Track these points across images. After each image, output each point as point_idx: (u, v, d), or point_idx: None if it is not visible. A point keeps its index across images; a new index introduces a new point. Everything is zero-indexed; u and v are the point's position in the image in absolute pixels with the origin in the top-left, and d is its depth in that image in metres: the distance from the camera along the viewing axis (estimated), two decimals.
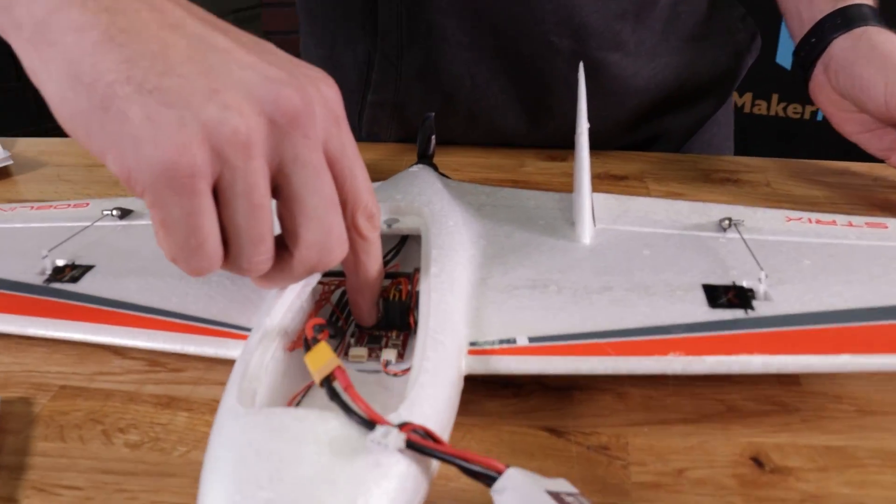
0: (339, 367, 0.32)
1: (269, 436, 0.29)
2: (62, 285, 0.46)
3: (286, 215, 0.34)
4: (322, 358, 0.32)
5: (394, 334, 0.43)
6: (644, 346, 0.38)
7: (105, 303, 0.44)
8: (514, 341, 0.38)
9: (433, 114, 0.65)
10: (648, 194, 0.66)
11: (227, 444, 0.30)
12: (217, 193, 0.32)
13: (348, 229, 0.37)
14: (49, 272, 0.48)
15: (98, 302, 0.44)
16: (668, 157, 0.77)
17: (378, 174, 0.74)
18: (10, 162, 0.74)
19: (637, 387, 0.41)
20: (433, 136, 0.65)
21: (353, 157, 0.36)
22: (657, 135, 0.83)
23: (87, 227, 0.54)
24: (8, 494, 0.37)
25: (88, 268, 0.48)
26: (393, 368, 0.40)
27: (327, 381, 0.32)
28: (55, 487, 0.37)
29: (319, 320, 0.37)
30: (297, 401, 0.36)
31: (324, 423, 0.29)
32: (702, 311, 0.40)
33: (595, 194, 0.56)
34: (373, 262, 0.39)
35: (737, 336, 0.38)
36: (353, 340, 0.42)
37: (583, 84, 0.60)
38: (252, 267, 0.35)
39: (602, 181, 0.70)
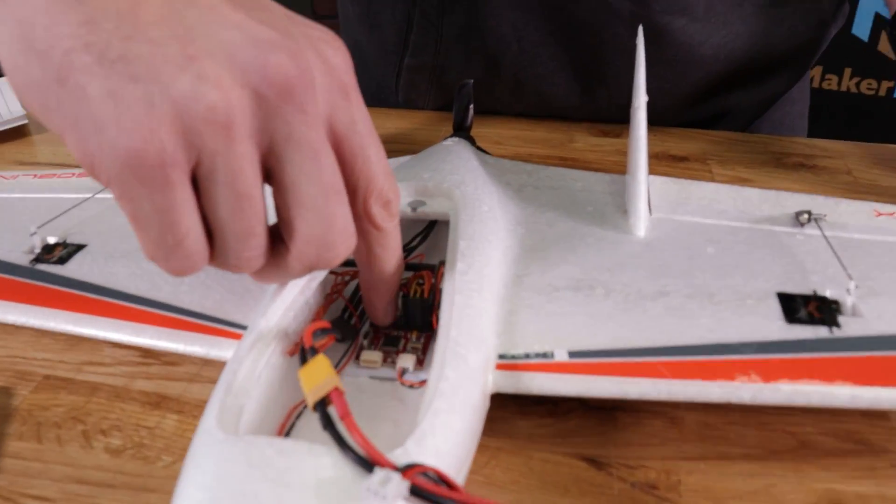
0: (336, 390, 0.26)
1: (246, 472, 0.24)
2: (48, 267, 0.42)
3: (280, 204, 0.29)
4: (319, 375, 0.27)
5: (414, 335, 0.37)
6: (705, 367, 0.32)
7: (91, 289, 0.39)
8: (550, 356, 0.33)
9: (471, 81, 0.59)
10: (712, 179, 0.59)
11: (198, 477, 0.25)
12: (196, 182, 0.27)
13: (359, 218, 0.32)
14: (38, 250, 0.44)
15: (84, 288, 0.39)
16: (735, 136, 0.69)
17: (412, 145, 0.69)
18: (26, 121, 0.70)
19: (693, 411, 0.35)
20: (471, 106, 0.59)
21: (364, 133, 0.30)
22: (723, 111, 0.75)
23: (87, 199, 0.50)
24: None
25: (79, 247, 0.44)
26: (410, 378, 0.35)
27: (321, 406, 0.26)
28: (23, 497, 0.33)
29: (322, 324, 0.32)
30: (292, 420, 0.31)
31: (313, 460, 0.24)
32: (776, 327, 0.34)
33: (651, 177, 0.49)
34: (389, 255, 0.34)
35: (819, 360, 0.32)
36: (366, 342, 0.37)
37: (642, 51, 0.53)
38: (242, 264, 0.29)
39: (659, 161, 0.63)
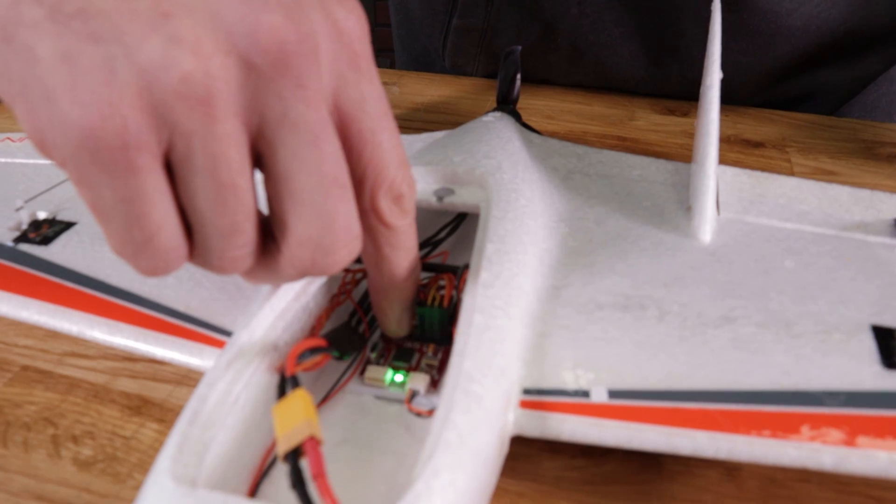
0: (311, 440, 0.21)
1: None
2: (31, 248, 0.37)
3: (272, 196, 0.24)
4: (295, 416, 0.22)
5: (430, 350, 0.32)
6: (777, 421, 0.25)
7: (72, 277, 0.35)
8: (586, 395, 0.27)
9: (519, 47, 0.52)
10: (790, 169, 0.52)
11: None
12: (170, 168, 0.22)
13: (366, 213, 0.26)
14: (25, 226, 0.39)
15: (64, 275, 0.35)
16: (820, 120, 0.61)
17: (456, 116, 0.63)
18: None
19: (758, 464, 0.29)
20: (518, 76, 0.52)
21: (376, 114, 0.25)
22: (809, 92, 0.67)
23: None
24: None
25: (68, 225, 0.39)
26: (419, 405, 0.29)
27: (293, 457, 0.21)
28: None
29: (313, 342, 0.27)
30: (270, 461, 0.26)
31: None
32: (870, 373, 0.27)
33: (721, 168, 0.43)
34: (401, 256, 0.28)
35: None
36: (373, 355, 0.32)
37: (718, 19, 0.46)
38: (226, 265, 0.24)
39: (731, 146, 0.56)
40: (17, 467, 0.31)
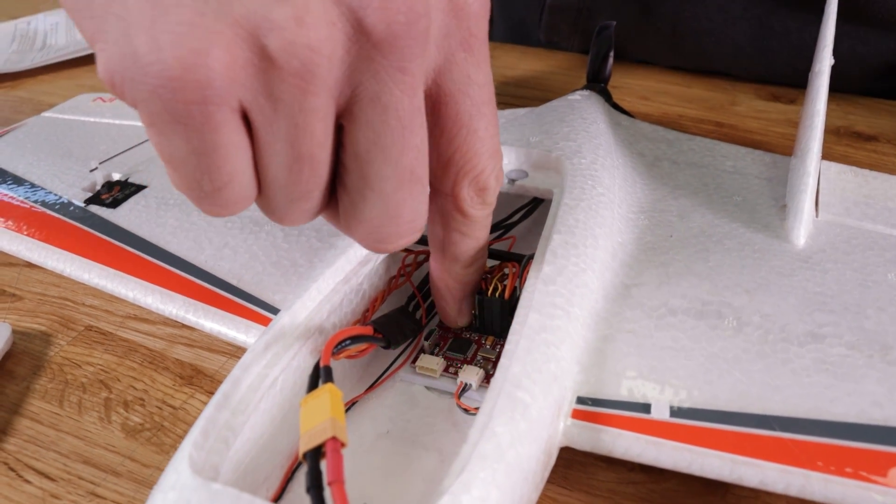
0: (333, 440, 0.20)
1: None
2: (99, 210, 0.38)
3: (343, 168, 0.22)
4: (320, 412, 0.21)
5: (488, 342, 0.30)
6: (862, 459, 0.23)
7: (133, 242, 0.35)
8: (647, 409, 0.25)
9: (613, 23, 0.49)
10: None
11: None
12: (248, 122, 0.20)
13: (444, 196, 0.25)
14: (98, 187, 0.39)
15: (127, 240, 0.35)
16: None
17: (546, 92, 0.60)
18: None
19: None
20: (611, 54, 0.49)
21: (478, 100, 0.23)
22: None
23: None
24: None
25: (139, 188, 0.39)
26: (469, 400, 0.28)
27: (313, 457, 0.20)
28: (26, 470, 0.30)
29: (357, 330, 0.25)
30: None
31: None
32: None
33: (824, 163, 0.39)
34: (469, 244, 0.27)
35: None
36: (427, 343, 0.30)
37: (834, 2, 0.42)
38: (285, 220, 0.23)
39: (839, 139, 0.51)
40: (70, 428, 0.31)
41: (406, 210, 0.23)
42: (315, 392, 0.21)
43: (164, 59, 0.18)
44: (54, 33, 0.72)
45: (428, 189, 0.24)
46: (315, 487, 0.19)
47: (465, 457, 0.21)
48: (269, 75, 0.19)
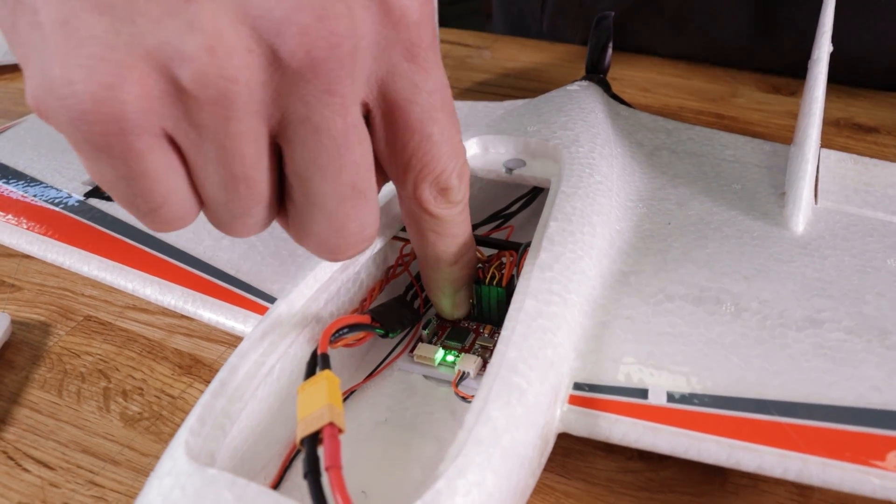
0: (330, 427, 0.20)
1: None
2: (99, 203, 0.38)
3: (287, 183, 0.22)
4: (318, 398, 0.21)
5: (487, 331, 0.30)
6: (860, 443, 0.23)
7: (132, 234, 0.35)
8: (644, 394, 0.25)
9: (612, 13, 0.49)
10: None
11: None
12: (177, 145, 0.20)
13: (409, 200, 0.25)
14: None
15: (126, 232, 0.35)
16: None
17: (547, 84, 0.60)
18: None
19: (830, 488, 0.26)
20: (610, 44, 0.49)
21: (429, 106, 0.23)
22: None
23: None
24: None
25: None
26: (467, 388, 0.28)
27: (310, 443, 0.20)
28: (25, 459, 0.30)
29: (354, 318, 0.25)
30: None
31: None
32: None
33: (824, 151, 0.39)
34: (447, 243, 0.27)
35: None
36: (426, 332, 0.30)
37: None
38: (234, 234, 0.23)
39: (840, 131, 0.51)
40: (69, 417, 0.31)
41: (352, 223, 0.23)
42: (312, 379, 0.21)
43: (77, 92, 0.18)
44: None
45: (375, 199, 0.23)
46: (312, 473, 0.19)
47: (461, 441, 0.20)
48: (188, 104, 0.19)
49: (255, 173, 0.21)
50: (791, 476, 0.22)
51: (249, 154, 0.20)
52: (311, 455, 0.19)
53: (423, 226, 0.26)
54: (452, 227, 0.26)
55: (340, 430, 0.20)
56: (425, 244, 0.26)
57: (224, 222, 0.22)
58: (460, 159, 0.24)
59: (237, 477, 0.19)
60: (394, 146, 0.23)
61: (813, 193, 0.34)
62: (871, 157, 0.38)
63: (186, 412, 0.31)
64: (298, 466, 0.25)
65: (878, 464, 0.22)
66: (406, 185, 0.24)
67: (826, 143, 0.41)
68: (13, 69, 0.67)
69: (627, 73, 0.61)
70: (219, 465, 0.21)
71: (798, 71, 0.57)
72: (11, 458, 0.30)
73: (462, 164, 0.25)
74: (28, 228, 0.36)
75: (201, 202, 0.22)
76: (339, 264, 0.28)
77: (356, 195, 0.22)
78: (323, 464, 0.19)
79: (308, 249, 0.24)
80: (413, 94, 0.22)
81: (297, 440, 0.20)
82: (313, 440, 0.20)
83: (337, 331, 0.24)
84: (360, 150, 0.21)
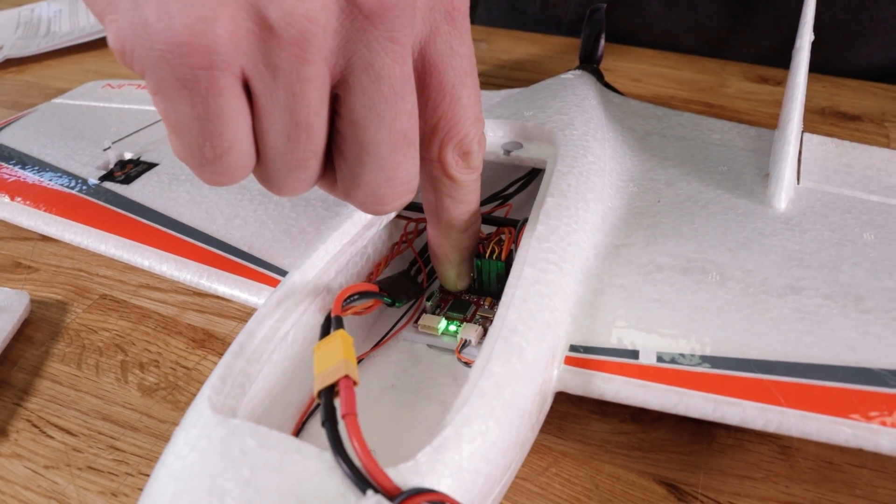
0: (346, 379, 0.21)
1: (221, 465, 0.20)
2: (113, 186, 0.39)
3: (339, 136, 0.24)
4: (333, 355, 0.22)
5: (487, 303, 0.32)
6: (836, 398, 0.24)
7: (147, 214, 0.36)
8: (635, 355, 0.26)
9: (604, 5, 0.51)
10: (888, 145, 0.49)
11: (172, 460, 0.21)
12: (249, 92, 0.22)
13: (432, 163, 0.26)
14: (112, 166, 0.41)
15: (141, 212, 0.36)
16: None
17: (541, 75, 0.61)
18: None
19: (813, 443, 0.28)
20: (602, 35, 0.51)
21: (461, 69, 0.25)
22: None
23: None
24: (2, 421, 0.32)
25: (151, 166, 0.41)
26: (469, 355, 0.29)
27: (327, 395, 0.21)
28: (49, 427, 0.31)
29: (363, 286, 0.27)
30: (315, 404, 0.26)
31: (299, 463, 0.20)
32: None
33: (807, 135, 0.41)
34: (461, 209, 0.28)
35: None
36: (429, 304, 0.32)
37: None
38: (284, 190, 0.25)
39: (824, 119, 0.53)
40: (88, 388, 0.33)
41: (401, 172, 0.24)
42: (327, 338, 0.23)
43: (173, 26, 0.19)
44: (58, 20, 0.73)
45: (418, 151, 0.25)
46: (330, 420, 0.21)
47: (466, 394, 0.22)
48: (269, 44, 0.20)
49: (316, 121, 0.22)
50: (772, 428, 0.24)
51: (315, 100, 0.22)
52: (328, 405, 0.21)
53: (442, 190, 0.27)
54: (467, 194, 0.28)
55: (355, 383, 0.21)
56: (441, 209, 0.28)
57: (278, 176, 0.24)
58: (481, 126, 0.26)
59: (259, 425, 0.21)
60: (424, 107, 0.25)
61: (795, 174, 0.36)
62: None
63: (202, 382, 0.33)
64: (314, 422, 0.26)
65: (851, 416, 0.24)
66: (431, 147, 0.26)
67: (811, 130, 0.43)
68: (19, 62, 0.68)
69: (619, 64, 0.62)
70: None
71: (778, 53, 0.59)
72: (35, 426, 0.31)
73: (482, 132, 0.26)
74: (45, 211, 0.38)
75: (258, 157, 0.23)
76: (347, 237, 0.29)
77: (407, 144, 0.23)
78: (339, 412, 0.21)
79: (355, 203, 0.25)
80: (450, 57, 0.24)
81: (315, 392, 0.22)
82: (330, 392, 0.21)
83: (348, 297, 0.26)
84: (411, 101, 0.23)
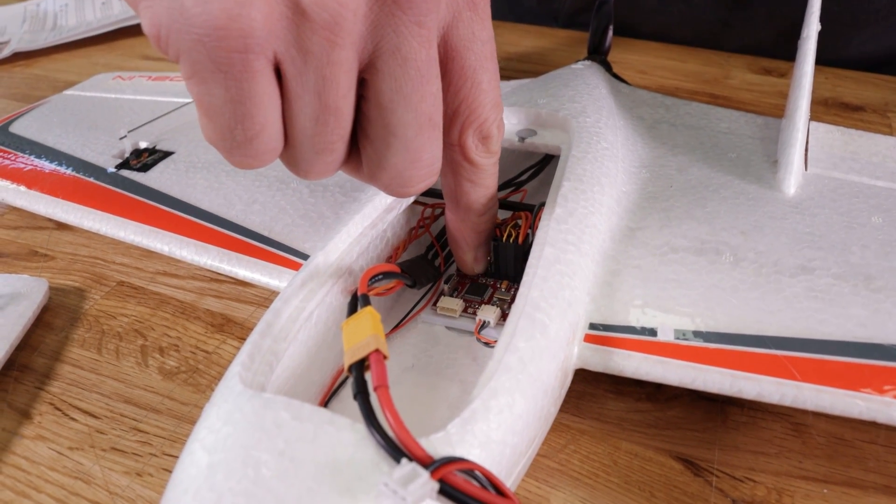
0: (376, 353, 0.22)
1: (255, 437, 0.20)
2: (131, 174, 0.40)
3: (365, 119, 0.24)
4: (362, 330, 0.23)
5: (503, 286, 0.33)
6: (848, 372, 0.25)
7: (165, 201, 0.37)
8: (653, 333, 0.27)
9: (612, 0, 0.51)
10: (891, 135, 0.50)
11: (205, 434, 0.21)
12: (279, 76, 0.22)
13: (452, 147, 0.27)
14: (127, 155, 0.42)
15: (159, 199, 0.37)
16: None
17: (547, 67, 0.62)
18: None
19: (825, 419, 0.29)
20: (610, 27, 0.51)
21: (482, 55, 0.25)
22: None
23: (188, 104, 0.47)
24: (25, 404, 0.32)
25: (166, 154, 0.41)
26: (488, 335, 0.30)
27: (358, 369, 0.22)
28: (71, 409, 0.32)
29: (386, 266, 0.28)
30: (344, 377, 0.27)
31: (332, 434, 0.20)
32: None
33: (813, 124, 0.41)
34: (480, 192, 0.29)
35: None
36: (447, 287, 0.32)
37: None
38: (310, 173, 0.25)
39: (828, 109, 0.54)
40: (109, 372, 0.33)
41: (426, 154, 0.25)
42: (355, 315, 0.24)
43: (210, 10, 0.20)
44: (64, 14, 0.74)
45: (442, 134, 0.25)
46: (362, 393, 0.21)
47: (492, 369, 0.23)
48: (302, 28, 0.21)
49: (344, 105, 0.23)
50: (787, 402, 0.25)
51: (343, 84, 0.22)
52: (359, 378, 0.22)
53: (461, 174, 0.28)
54: (486, 178, 0.28)
55: (386, 357, 0.22)
56: (460, 193, 0.29)
57: (305, 159, 0.24)
58: (500, 111, 0.27)
59: (291, 399, 0.21)
60: (446, 91, 0.25)
61: (803, 160, 0.37)
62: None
63: (222, 366, 0.33)
64: (337, 399, 0.27)
65: (864, 389, 0.24)
66: (452, 132, 0.26)
67: (815, 120, 0.44)
68: (27, 56, 0.68)
69: (625, 57, 0.63)
70: None
71: (773, 44, 0.60)
72: (58, 409, 0.32)
73: (501, 117, 0.27)
74: (63, 199, 0.38)
75: (286, 140, 0.24)
76: (368, 220, 0.30)
77: (432, 126, 0.24)
78: (371, 385, 0.21)
79: (380, 185, 0.25)
80: (471, 42, 0.25)
81: (346, 367, 0.22)
82: (360, 365, 0.22)
83: (373, 276, 0.27)
84: (436, 84, 0.24)
